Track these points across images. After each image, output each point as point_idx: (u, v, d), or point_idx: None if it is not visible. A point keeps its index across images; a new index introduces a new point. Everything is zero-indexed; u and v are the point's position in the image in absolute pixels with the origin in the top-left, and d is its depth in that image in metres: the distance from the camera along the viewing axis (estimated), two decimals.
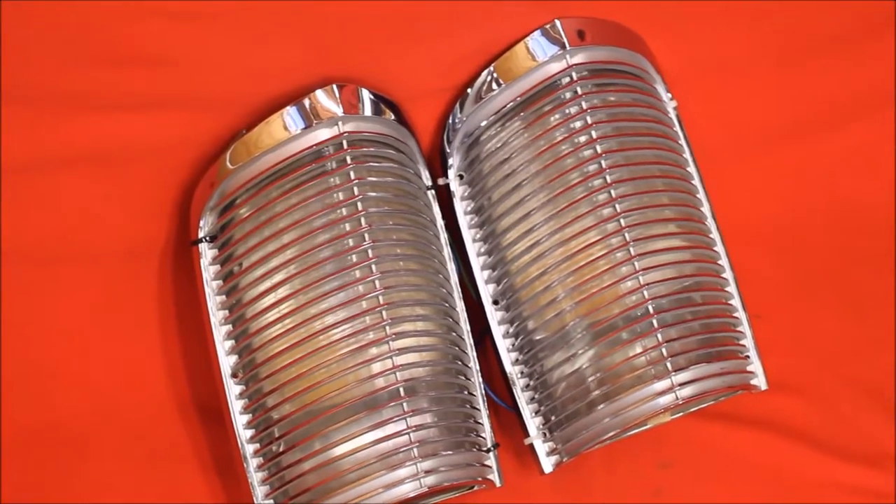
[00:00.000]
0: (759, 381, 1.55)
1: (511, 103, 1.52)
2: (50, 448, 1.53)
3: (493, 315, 1.55)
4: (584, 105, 1.50)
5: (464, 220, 1.55)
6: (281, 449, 1.45)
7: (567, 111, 1.51)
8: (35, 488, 1.52)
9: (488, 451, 1.51)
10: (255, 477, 1.46)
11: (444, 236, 1.54)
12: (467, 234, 1.55)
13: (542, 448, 1.53)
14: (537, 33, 1.52)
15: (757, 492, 1.64)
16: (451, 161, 1.55)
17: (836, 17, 1.68)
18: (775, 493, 1.64)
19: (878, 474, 1.66)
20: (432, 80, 1.56)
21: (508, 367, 1.54)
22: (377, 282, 1.44)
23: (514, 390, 1.54)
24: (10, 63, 1.42)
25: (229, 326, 1.47)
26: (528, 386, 1.54)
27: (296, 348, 1.44)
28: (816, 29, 1.68)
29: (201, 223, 1.48)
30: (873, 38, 1.71)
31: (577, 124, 1.51)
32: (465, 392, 1.51)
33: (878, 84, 1.73)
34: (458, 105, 1.54)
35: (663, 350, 1.47)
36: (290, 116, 1.45)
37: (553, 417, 1.52)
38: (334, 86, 1.46)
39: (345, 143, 1.45)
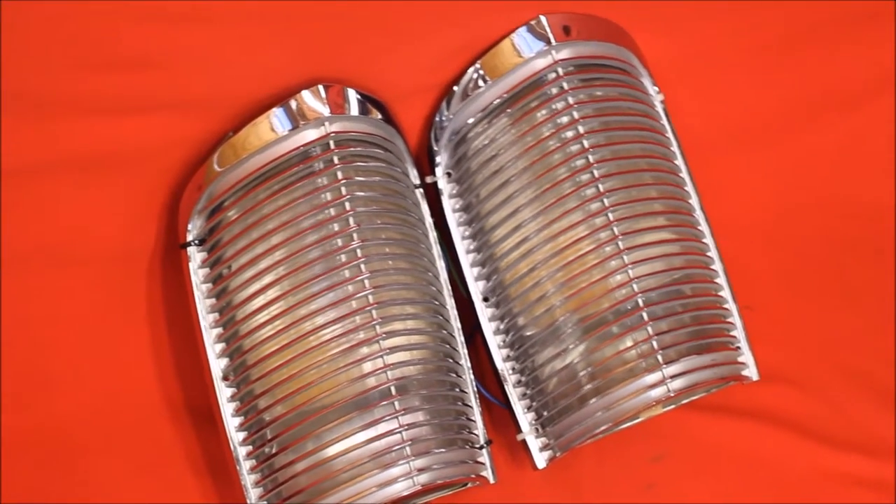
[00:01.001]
0: (751, 372, 1.55)
1: (498, 100, 1.52)
2: (41, 452, 1.53)
3: (484, 312, 1.55)
4: (571, 100, 1.50)
5: (452, 218, 1.55)
6: (274, 450, 1.44)
7: (553, 107, 1.51)
8: (27, 491, 1.51)
9: (481, 447, 1.51)
10: (249, 479, 1.46)
11: (432, 234, 1.54)
12: (456, 232, 1.55)
13: (534, 443, 1.53)
14: (522, 29, 1.52)
15: (750, 483, 1.64)
16: (438, 159, 1.55)
17: (823, 7, 1.68)
18: (769, 483, 1.64)
19: (873, 462, 1.66)
20: (418, 79, 1.55)
21: (499, 364, 1.54)
22: (366, 281, 1.44)
23: (506, 386, 1.54)
24: None
25: (220, 329, 1.47)
26: (519, 382, 1.54)
27: (286, 349, 1.43)
28: (803, 20, 1.68)
29: (190, 226, 1.47)
30: (860, 30, 1.71)
31: (564, 120, 1.50)
32: (457, 389, 1.51)
33: (867, 75, 1.73)
34: (444, 103, 1.54)
35: (654, 343, 1.47)
36: (276, 118, 1.45)
37: (545, 413, 1.52)
38: (320, 86, 1.46)
39: (332, 143, 1.45)
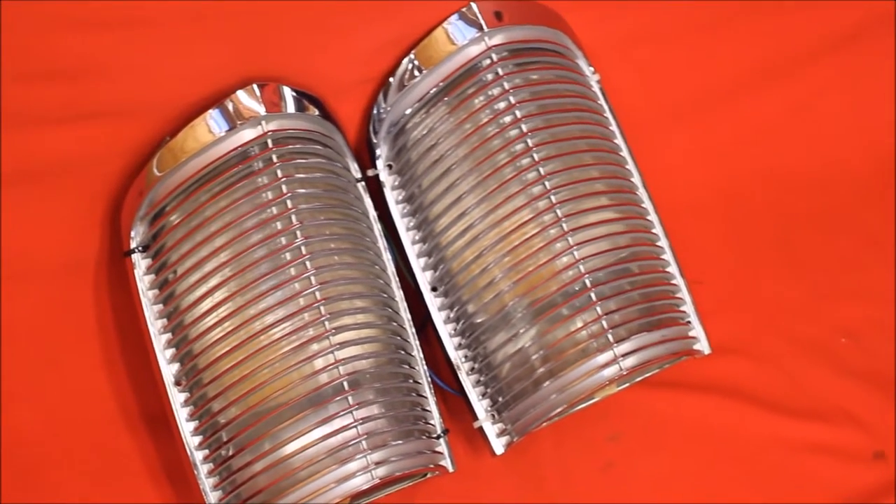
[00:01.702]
0: (702, 346, 1.56)
1: (434, 89, 1.52)
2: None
3: (433, 302, 1.55)
4: (507, 85, 1.51)
5: (396, 210, 1.55)
6: (230, 453, 1.44)
7: (490, 93, 1.51)
8: None
9: (438, 437, 1.51)
10: (207, 483, 1.45)
11: (377, 227, 1.54)
12: (400, 223, 1.55)
13: (491, 430, 1.54)
14: (454, 17, 1.52)
15: (708, 456, 1.65)
16: (378, 151, 1.55)
17: None
18: (726, 455, 1.65)
19: (828, 429, 1.67)
20: (354, 72, 1.55)
21: (452, 353, 1.54)
22: (313, 278, 1.43)
23: (460, 374, 1.54)
24: None
25: (169, 335, 1.46)
26: (473, 369, 1.54)
27: (237, 350, 1.43)
28: None
29: (133, 233, 1.47)
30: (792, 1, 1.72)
31: (501, 105, 1.51)
32: (411, 380, 1.51)
33: (799, 44, 1.74)
34: (381, 95, 1.54)
35: (603, 322, 1.48)
36: (213, 119, 1.45)
37: (500, 398, 1.53)
38: (255, 85, 1.46)
39: (269, 142, 1.45)
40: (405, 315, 1.53)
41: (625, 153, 1.58)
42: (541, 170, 1.49)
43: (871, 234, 1.79)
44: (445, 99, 1.53)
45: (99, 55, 1.45)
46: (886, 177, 1.80)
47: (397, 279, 1.54)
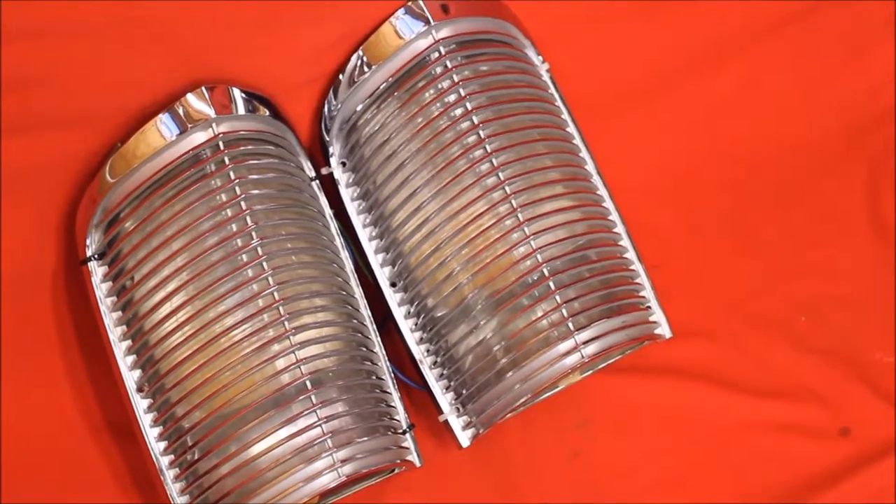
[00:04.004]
0: (664, 330, 1.56)
1: (384, 84, 1.52)
2: None
3: (393, 297, 1.55)
4: (456, 78, 1.51)
5: (352, 207, 1.55)
6: (196, 457, 1.44)
7: (440, 86, 1.51)
8: None
9: (404, 432, 1.51)
10: (174, 488, 1.45)
11: (333, 225, 1.54)
12: (356, 220, 1.55)
13: (457, 423, 1.54)
14: (401, 11, 1.52)
15: (675, 439, 1.66)
16: (331, 149, 1.55)
17: None
18: (692, 438, 1.66)
19: (792, 407, 1.68)
20: (302, 71, 1.55)
21: (414, 347, 1.54)
22: (270, 278, 1.43)
23: (423, 369, 1.54)
24: None
25: (129, 341, 1.46)
26: (435, 363, 1.54)
27: (198, 354, 1.43)
28: None
29: (88, 241, 1.46)
30: None
31: (452, 98, 1.51)
32: (374, 377, 1.51)
33: (745, 22, 1.75)
34: (331, 92, 1.54)
35: (563, 311, 1.48)
36: (164, 124, 1.44)
37: (464, 391, 1.53)
38: (204, 88, 1.46)
39: (221, 144, 1.45)
40: (365, 312, 1.53)
41: (577, 141, 1.58)
42: (494, 161, 1.49)
43: (824, 209, 1.80)
44: (396, 94, 1.53)
45: (46, 65, 1.44)
46: (837, 152, 1.82)
47: (356, 276, 1.54)
